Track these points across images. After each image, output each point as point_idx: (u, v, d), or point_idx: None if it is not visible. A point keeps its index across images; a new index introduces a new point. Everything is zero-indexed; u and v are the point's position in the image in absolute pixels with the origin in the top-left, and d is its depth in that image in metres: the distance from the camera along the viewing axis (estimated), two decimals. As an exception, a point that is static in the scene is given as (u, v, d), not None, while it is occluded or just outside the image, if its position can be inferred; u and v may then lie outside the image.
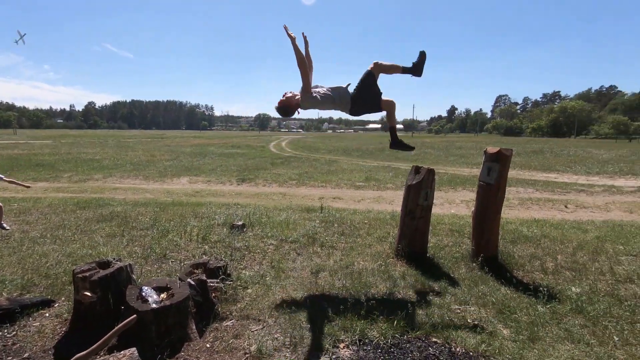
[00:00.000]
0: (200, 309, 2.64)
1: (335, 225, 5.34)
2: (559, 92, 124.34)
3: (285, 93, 3.28)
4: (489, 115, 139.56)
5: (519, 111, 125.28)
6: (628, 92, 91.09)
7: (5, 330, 2.48)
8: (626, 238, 4.80)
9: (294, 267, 3.68)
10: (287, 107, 3.26)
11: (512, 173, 13.28)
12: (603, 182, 11.49)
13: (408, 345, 2.36)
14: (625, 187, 10.33)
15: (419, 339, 2.44)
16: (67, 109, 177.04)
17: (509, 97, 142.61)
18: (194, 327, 2.50)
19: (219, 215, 5.73)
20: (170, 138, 47.81)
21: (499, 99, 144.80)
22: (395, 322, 2.57)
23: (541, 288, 3.13)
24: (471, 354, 2.27)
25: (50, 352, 2.29)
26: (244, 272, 3.44)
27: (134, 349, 1.88)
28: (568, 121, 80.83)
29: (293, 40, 3.06)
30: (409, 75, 3.43)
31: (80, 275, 2.46)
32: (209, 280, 2.82)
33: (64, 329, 2.53)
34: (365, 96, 3.32)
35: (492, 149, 3.75)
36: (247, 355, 2.26)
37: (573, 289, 3.21)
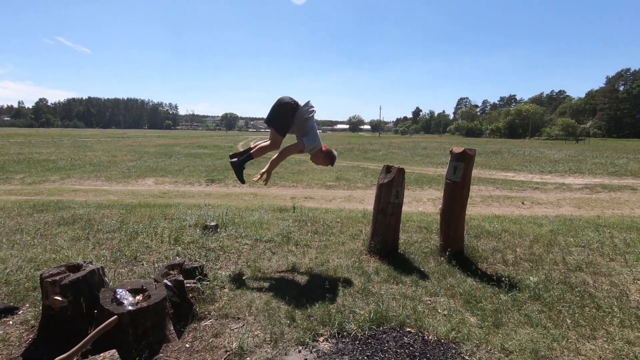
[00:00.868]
0: (178, 309, 2.61)
1: (309, 224, 5.41)
2: (514, 95, 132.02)
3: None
4: (451, 117, 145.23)
5: (478, 113, 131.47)
6: (575, 96, 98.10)
7: (-35, 341, 2.33)
8: (575, 231, 5.23)
9: (270, 266, 3.71)
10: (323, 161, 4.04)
11: (474, 172, 13.93)
12: (555, 180, 12.38)
13: (384, 335, 2.48)
14: (573, 185, 11.20)
15: (394, 329, 2.56)
16: (15, 105, 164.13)
17: (470, 100, 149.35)
18: (172, 328, 2.47)
19: (190, 216, 5.62)
20: (132, 138, 45.77)
21: (461, 101, 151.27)
22: (371, 315, 2.68)
23: (503, 278, 3.37)
24: (442, 340, 2.42)
25: (17, 360, 2.19)
26: (220, 272, 3.42)
27: (114, 350, 1.84)
28: (523, 123, 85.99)
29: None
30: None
31: (49, 280, 2.35)
32: (185, 281, 2.79)
33: (31, 336, 2.41)
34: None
35: (457, 149, 3.98)
36: (228, 353, 2.27)
37: (531, 278, 3.48)
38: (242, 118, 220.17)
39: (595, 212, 7.30)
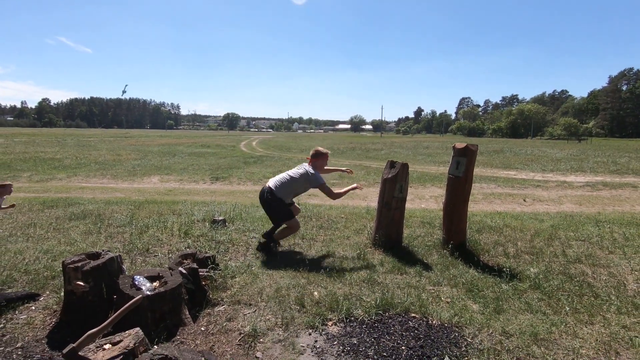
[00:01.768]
0: (193, 296, 2.73)
1: (314, 219, 5.53)
2: (516, 95, 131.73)
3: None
4: (453, 116, 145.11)
5: (480, 113, 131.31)
6: (577, 96, 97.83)
7: (-8, 324, 2.46)
8: (576, 226, 5.33)
9: (277, 257, 3.83)
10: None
11: (476, 171, 14.03)
12: (556, 178, 12.45)
13: (390, 320, 2.59)
14: (575, 183, 11.27)
15: (399, 315, 2.67)
16: (18, 105, 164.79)
17: (472, 100, 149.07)
18: (187, 312, 2.59)
19: (197, 211, 5.74)
20: (135, 137, 46.00)
21: (462, 101, 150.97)
22: (377, 301, 2.79)
23: (504, 269, 3.48)
24: (446, 324, 2.53)
25: (43, 341, 2.31)
26: (230, 263, 3.54)
27: (137, 328, 1.96)
28: (525, 123, 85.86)
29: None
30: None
31: (72, 266, 2.48)
32: (199, 269, 2.91)
33: (54, 320, 2.54)
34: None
35: (460, 145, 4.08)
36: (242, 335, 2.39)
37: (531, 269, 3.58)
38: (243, 118, 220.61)
39: (596, 209, 7.39)
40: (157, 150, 23.57)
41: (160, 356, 1.79)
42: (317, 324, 2.51)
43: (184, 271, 2.75)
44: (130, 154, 20.33)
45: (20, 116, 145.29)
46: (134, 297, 2.33)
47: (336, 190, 4.05)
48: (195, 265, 2.85)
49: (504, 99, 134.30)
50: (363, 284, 3.18)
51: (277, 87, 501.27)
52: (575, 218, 6.04)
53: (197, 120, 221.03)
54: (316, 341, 2.34)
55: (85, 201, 6.99)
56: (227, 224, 4.97)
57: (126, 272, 2.90)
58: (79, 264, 2.51)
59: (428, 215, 5.93)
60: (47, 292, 2.93)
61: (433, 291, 3.10)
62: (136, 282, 2.52)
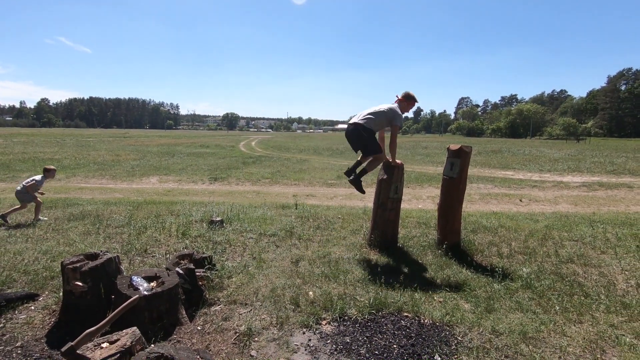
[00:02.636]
0: (189, 296, 2.78)
1: (311, 220, 5.58)
2: (515, 95, 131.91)
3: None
4: (452, 116, 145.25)
5: (479, 113, 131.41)
6: (576, 96, 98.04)
7: (-8, 323, 2.51)
8: (570, 226, 5.38)
9: (274, 257, 3.88)
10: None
11: (474, 171, 14.13)
12: (553, 178, 12.52)
13: (383, 319, 2.64)
14: (571, 183, 11.34)
15: (392, 314, 2.73)
16: (17, 105, 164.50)
17: (471, 99, 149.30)
18: (184, 312, 2.64)
19: (195, 212, 5.79)
20: (134, 137, 46.02)
21: (462, 100, 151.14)
22: (371, 301, 2.85)
23: (497, 269, 3.53)
24: (437, 323, 2.59)
25: (42, 340, 2.36)
26: (227, 263, 3.59)
27: (134, 327, 2.01)
28: (524, 123, 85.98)
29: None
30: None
31: (70, 267, 2.53)
32: (196, 270, 2.96)
33: (52, 319, 2.59)
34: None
35: (454, 146, 4.14)
36: (237, 334, 2.44)
37: (524, 269, 3.64)
38: (243, 118, 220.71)
39: (591, 209, 7.45)
40: (156, 150, 23.61)
41: (156, 354, 1.84)
42: (311, 323, 2.57)
43: (181, 271, 2.80)
44: (129, 154, 20.37)
45: (19, 116, 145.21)
46: (132, 297, 2.38)
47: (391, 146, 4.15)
48: (192, 266, 2.90)
49: (503, 98, 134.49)
50: (357, 284, 3.23)
51: (276, 87, 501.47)
52: (570, 218, 6.09)
53: (196, 120, 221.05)
54: (310, 340, 2.39)
55: (84, 202, 7.04)
56: (224, 224, 5.02)
57: (124, 273, 2.95)
58: (78, 265, 2.56)
59: (424, 216, 5.98)
60: (46, 292, 2.98)
61: (426, 290, 3.15)
62: (134, 283, 2.57)
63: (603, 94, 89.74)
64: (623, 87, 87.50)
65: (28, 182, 5.52)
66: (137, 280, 2.61)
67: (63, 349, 1.82)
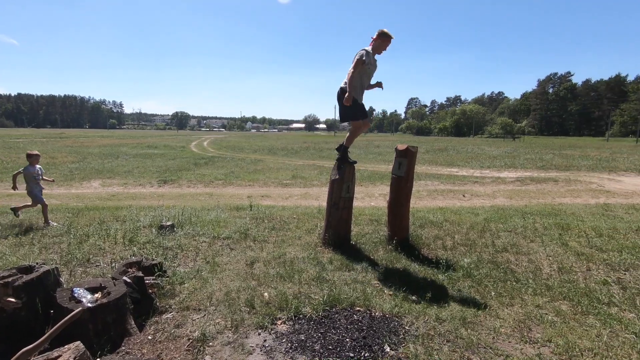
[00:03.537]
0: (139, 305, 2.68)
1: (266, 221, 5.57)
2: (459, 96, 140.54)
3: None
4: (402, 116, 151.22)
5: (427, 113, 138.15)
6: (512, 98, 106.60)
7: None
8: (505, 218, 5.90)
9: (228, 260, 3.84)
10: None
11: (422, 168, 14.88)
12: (492, 174, 13.56)
13: (336, 315, 2.74)
14: (507, 178, 12.36)
15: (345, 309, 2.84)
16: None
17: (419, 100, 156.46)
18: (133, 322, 2.54)
19: (143, 217, 5.53)
20: (72, 138, 42.46)
21: (411, 101, 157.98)
22: (325, 298, 2.94)
23: (441, 261, 3.80)
24: (387, 315, 2.74)
25: (-31, 364, 2.15)
26: (179, 269, 3.50)
27: (78, 342, 1.91)
28: (467, 122, 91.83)
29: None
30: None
31: (1, 282, 2.33)
32: (145, 277, 2.86)
33: (-19, 340, 2.36)
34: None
35: (401, 147, 4.36)
36: (190, 340, 2.40)
37: (465, 259, 3.94)
38: (194, 117, 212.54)
39: (524, 202, 8.20)
40: (98, 151, 22.02)
41: (103, 368, 1.77)
42: (266, 323, 2.59)
43: (128, 280, 2.69)
44: (66, 156, 18.80)
45: None
46: (74, 311, 2.25)
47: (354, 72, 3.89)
48: (140, 274, 2.80)
49: (448, 99, 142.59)
50: (312, 283, 3.31)
51: (229, 86, 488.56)
52: (505, 211, 6.67)
53: (142, 120, 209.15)
54: (265, 340, 2.42)
55: (15, 210, 6.40)
56: (175, 229, 4.86)
57: (64, 285, 2.77)
58: (9, 279, 2.36)
59: (376, 213, 6.22)
60: (-28, 312, 2.70)
61: (377, 285, 3.31)
62: (76, 295, 2.43)
63: (534, 96, 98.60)
64: (551, 90, 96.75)
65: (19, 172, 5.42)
66: (80, 292, 2.47)
67: (-5, 371, 1.69)
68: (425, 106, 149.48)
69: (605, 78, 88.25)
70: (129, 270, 2.97)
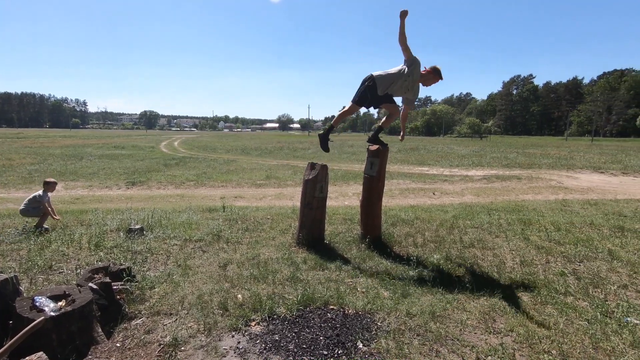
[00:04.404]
0: (106, 312, 2.59)
1: (239, 222, 5.52)
2: (430, 96, 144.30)
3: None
4: (375, 116, 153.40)
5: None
6: (479, 98, 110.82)
7: None
8: (472, 215, 6.15)
9: (201, 263, 3.78)
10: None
11: (394, 168, 15.20)
12: (461, 173, 14.06)
13: (310, 314, 2.77)
14: (475, 176, 12.86)
15: (319, 308, 2.87)
16: None
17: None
18: (100, 330, 2.46)
19: (110, 221, 5.33)
20: (30, 138, 40.12)
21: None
22: (299, 298, 2.96)
23: (412, 258, 3.91)
24: (360, 313, 2.80)
25: None
26: (148, 273, 3.41)
27: (41, 352, 1.84)
28: (438, 122, 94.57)
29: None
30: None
31: (-48, 293, 2.19)
32: (113, 283, 2.77)
33: None
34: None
35: (373, 147, 4.45)
36: (161, 346, 2.36)
37: (435, 255, 4.08)
38: (163, 116, 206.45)
39: (490, 199, 8.57)
40: (60, 152, 20.94)
41: (68, 378, 1.71)
42: (240, 325, 2.58)
43: (94, 286, 2.60)
44: (24, 157, 17.75)
45: None
46: (35, 320, 2.15)
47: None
48: (107, 279, 2.70)
49: (419, 99, 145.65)
50: (286, 283, 3.32)
51: (201, 84, 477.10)
52: (473, 208, 6.95)
53: (108, 119, 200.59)
54: (239, 342, 2.41)
55: (-33, 216, 6.00)
56: (145, 232, 4.72)
57: (24, 294, 2.64)
58: (-37, 290, 2.23)
59: (350, 212, 6.30)
60: None
61: (351, 283, 3.37)
62: (37, 304, 2.32)
63: (500, 97, 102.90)
64: (515, 92, 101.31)
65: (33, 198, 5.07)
66: (42, 300, 2.36)
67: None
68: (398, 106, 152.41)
69: (564, 80, 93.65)
70: (96, 276, 2.86)
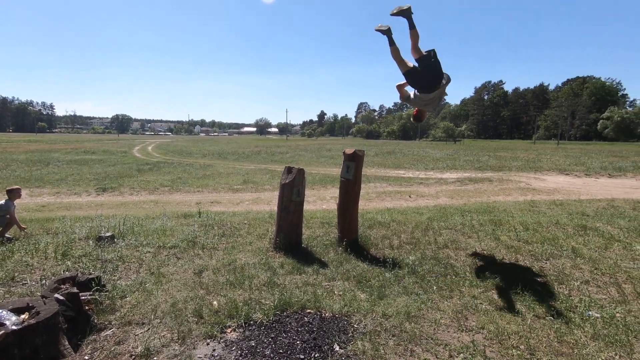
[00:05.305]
0: (74, 323, 2.49)
1: (215, 227, 5.43)
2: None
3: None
4: (353, 120, 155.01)
5: (376, 117, 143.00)
6: (453, 103, 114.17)
7: None
8: (446, 217, 6.30)
9: (175, 271, 3.69)
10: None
11: (371, 171, 15.39)
12: (435, 175, 14.40)
13: (287, 319, 2.76)
14: (449, 179, 13.21)
15: (296, 312, 2.87)
16: None
17: (369, 104, 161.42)
18: (66, 343, 2.36)
19: (79, 229, 5.13)
20: (-9, 143, 37.98)
21: (361, 105, 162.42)
22: (276, 303, 2.94)
23: (388, 259, 3.97)
24: (337, 315, 2.81)
25: None
26: (119, 282, 3.30)
27: (1, 369, 1.74)
28: (414, 126, 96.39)
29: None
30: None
31: None
32: (81, 294, 2.66)
33: None
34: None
35: (349, 151, 4.50)
36: (133, 357, 2.28)
37: (410, 257, 4.16)
38: (136, 120, 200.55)
39: (463, 201, 8.82)
40: (24, 158, 19.94)
41: (31, 394, 1.63)
42: (215, 332, 2.54)
43: (60, 297, 2.49)
44: (-15, 163, 16.78)
45: None
46: (-5, 335, 2.04)
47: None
48: (75, 290, 2.60)
49: (395, 104, 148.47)
50: (263, 288, 3.30)
51: (176, 87, 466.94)
52: (447, 210, 7.13)
53: (78, 123, 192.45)
54: (214, 350, 2.37)
55: None
56: (116, 239, 4.56)
57: (-17, 308, 2.49)
58: None
59: (327, 216, 6.33)
60: None
61: (328, 286, 3.39)
62: (-3, 318, 2.20)
63: (472, 102, 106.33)
64: (486, 97, 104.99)
65: None
66: (2, 313, 2.24)
67: None
68: (374, 110, 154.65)
69: (532, 87, 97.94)
70: (62, 286, 2.74)
